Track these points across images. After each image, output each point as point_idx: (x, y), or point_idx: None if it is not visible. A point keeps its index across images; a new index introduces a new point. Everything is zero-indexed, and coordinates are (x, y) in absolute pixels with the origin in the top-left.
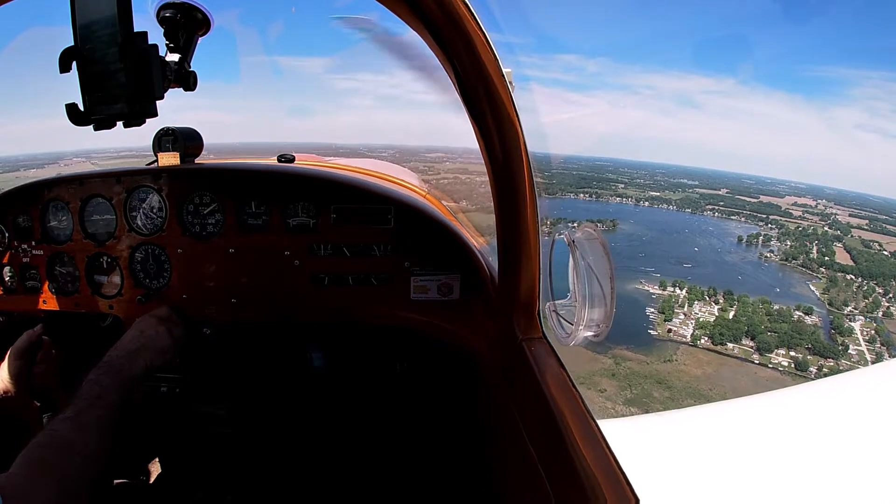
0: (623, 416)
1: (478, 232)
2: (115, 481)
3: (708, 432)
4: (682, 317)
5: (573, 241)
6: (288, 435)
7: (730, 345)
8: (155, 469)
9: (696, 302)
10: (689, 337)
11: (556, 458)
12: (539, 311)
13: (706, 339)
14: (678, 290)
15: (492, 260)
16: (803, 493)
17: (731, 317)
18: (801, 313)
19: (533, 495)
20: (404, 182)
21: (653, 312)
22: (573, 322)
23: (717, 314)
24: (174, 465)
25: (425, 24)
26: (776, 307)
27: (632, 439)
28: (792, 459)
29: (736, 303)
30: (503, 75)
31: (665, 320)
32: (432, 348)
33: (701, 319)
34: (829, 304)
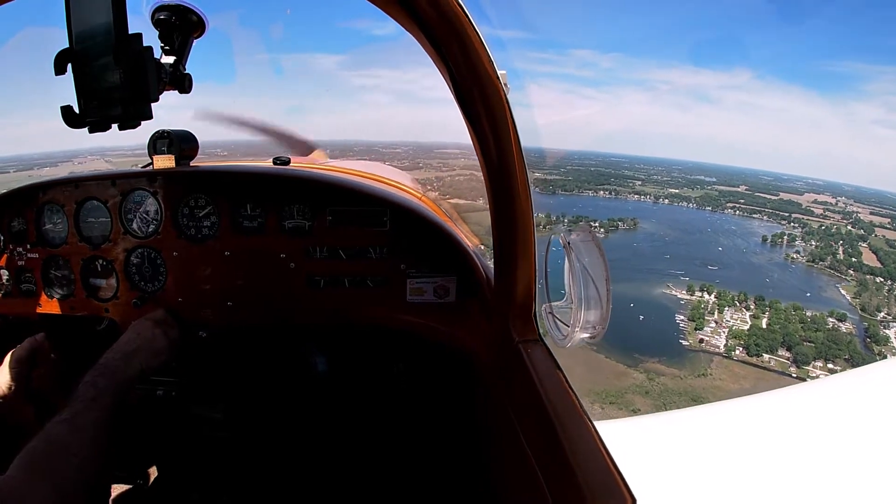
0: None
1: (472, 233)
2: (113, 485)
3: (705, 432)
4: (713, 325)
5: (569, 243)
6: (284, 437)
7: (765, 356)
8: (153, 473)
9: (726, 308)
10: (722, 347)
11: (553, 459)
12: (535, 312)
13: (741, 349)
14: (706, 295)
15: (488, 262)
16: (802, 493)
17: (764, 325)
18: (834, 320)
19: (530, 496)
20: (399, 184)
21: (682, 320)
22: (569, 324)
23: (749, 322)
24: (171, 468)
25: (419, 25)
26: (809, 313)
27: (629, 440)
28: (790, 459)
29: (768, 309)
30: (498, 77)
31: (696, 329)
32: (429, 350)
33: (734, 328)
34: (861, 310)
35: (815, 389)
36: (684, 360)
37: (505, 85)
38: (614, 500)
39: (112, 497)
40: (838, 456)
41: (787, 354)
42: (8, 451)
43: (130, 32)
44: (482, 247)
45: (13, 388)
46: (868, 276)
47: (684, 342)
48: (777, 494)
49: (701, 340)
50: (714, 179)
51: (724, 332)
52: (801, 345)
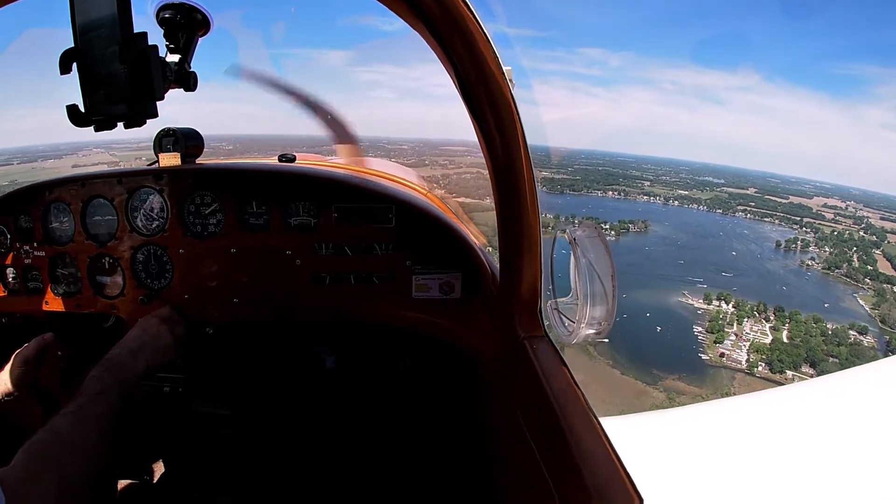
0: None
1: (479, 232)
2: (119, 481)
3: (712, 430)
4: (732, 337)
5: (574, 240)
6: (289, 434)
7: (789, 373)
8: (158, 469)
9: (745, 319)
10: (744, 363)
11: (558, 457)
12: (541, 309)
13: (763, 365)
14: (724, 305)
15: (494, 260)
16: (807, 490)
17: (784, 337)
18: (856, 333)
19: (535, 494)
20: (405, 181)
21: (701, 332)
22: (575, 320)
23: (770, 335)
24: (177, 464)
25: (424, 22)
26: (830, 326)
27: (635, 437)
28: (796, 456)
29: (788, 321)
30: (503, 73)
31: (715, 342)
32: (434, 347)
33: (755, 341)
34: (881, 322)
35: (819, 387)
36: (705, 377)
37: (510, 81)
38: (620, 498)
39: (118, 492)
40: (844, 453)
41: (812, 371)
42: (13, 450)
43: (135, 31)
44: (489, 248)
45: (21, 386)
46: (886, 285)
47: (704, 356)
48: (782, 491)
49: (722, 355)
50: (722, 181)
51: (744, 345)
52: (825, 360)
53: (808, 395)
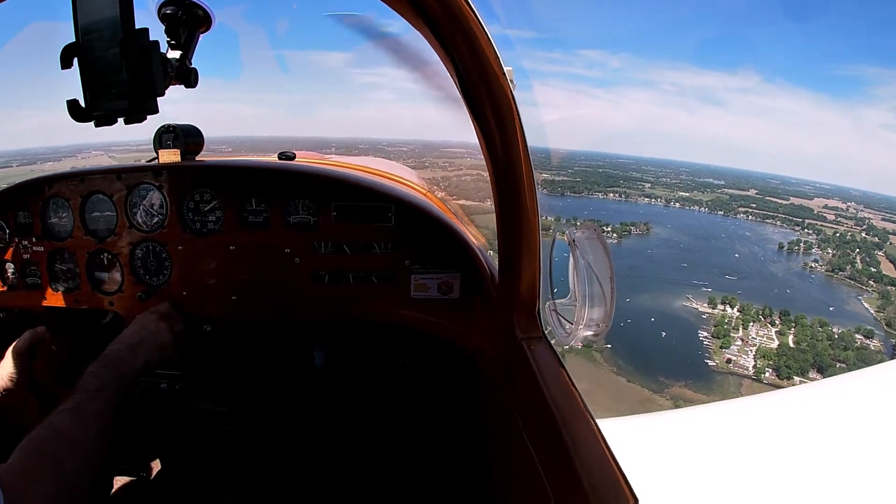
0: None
1: (479, 233)
2: (116, 477)
3: (708, 432)
4: (738, 342)
5: (573, 241)
6: (288, 432)
7: (797, 379)
8: (155, 466)
9: (751, 323)
10: (750, 369)
11: (555, 458)
12: (539, 310)
13: (770, 371)
14: (729, 309)
15: (494, 261)
16: (803, 493)
17: (791, 342)
18: (862, 337)
19: (532, 494)
20: (404, 180)
21: (706, 337)
22: (573, 321)
23: (776, 339)
24: (174, 461)
25: (426, 21)
26: (836, 330)
27: (631, 439)
28: (792, 459)
29: (794, 325)
30: (504, 73)
31: (721, 347)
32: (432, 347)
33: (761, 346)
34: (886, 325)
35: (815, 390)
36: (712, 384)
37: (511, 82)
38: (616, 498)
39: (114, 489)
40: (840, 456)
41: (819, 377)
42: (11, 445)
43: (137, 27)
44: (490, 252)
45: (16, 380)
46: (889, 288)
47: (710, 362)
48: (779, 494)
49: (728, 360)
50: (723, 182)
51: (751, 350)
52: (832, 366)
53: (807, 398)
